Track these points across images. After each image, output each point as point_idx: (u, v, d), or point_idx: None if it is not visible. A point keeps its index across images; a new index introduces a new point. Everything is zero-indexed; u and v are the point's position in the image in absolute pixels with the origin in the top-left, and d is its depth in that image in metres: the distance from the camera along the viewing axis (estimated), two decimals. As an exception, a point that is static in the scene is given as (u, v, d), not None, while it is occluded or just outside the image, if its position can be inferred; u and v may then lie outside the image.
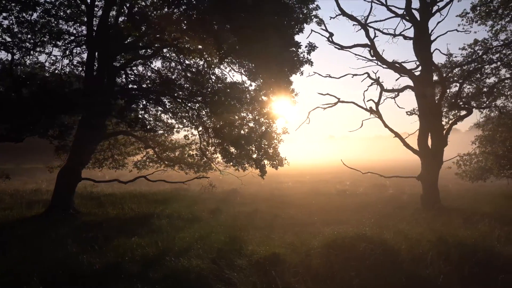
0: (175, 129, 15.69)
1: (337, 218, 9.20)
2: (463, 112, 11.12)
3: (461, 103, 10.50)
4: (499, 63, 14.25)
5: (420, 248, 5.39)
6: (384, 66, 10.83)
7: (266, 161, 10.84)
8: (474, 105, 13.24)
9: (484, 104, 13.94)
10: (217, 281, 4.95)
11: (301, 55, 8.95)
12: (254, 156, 10.64)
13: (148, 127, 11.17)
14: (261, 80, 11.05)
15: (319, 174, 29.81)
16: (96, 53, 11.25)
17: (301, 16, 8.70)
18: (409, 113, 10.99)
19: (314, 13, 9.10)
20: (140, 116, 12.18)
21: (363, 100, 12.16)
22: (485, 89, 15.24)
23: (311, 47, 8.75)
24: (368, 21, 10.93)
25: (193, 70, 12.34)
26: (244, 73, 11.63)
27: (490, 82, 15.18)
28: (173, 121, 15.61)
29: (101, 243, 7.17)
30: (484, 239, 5.68)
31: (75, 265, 5.70)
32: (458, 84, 14.99)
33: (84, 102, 8.38)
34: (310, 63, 9.15)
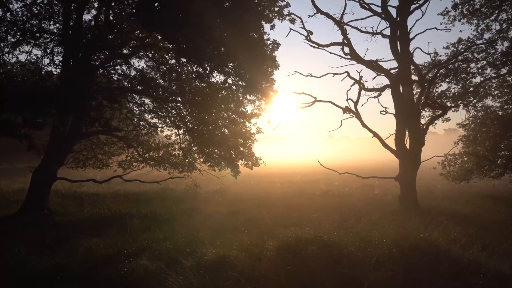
0: (158, 129, 15.64)
1: (308, 219, 9.06)
2: (438, 112, 10.90)
3: (435, 103, 10.25)
4: (484, 62, 14.04)
5: (372, 251, 5.24)
6: (360, 64, 10.66)
7: (240, 161, 10.69)
8: (452, 104, 13.01)
9: (463, 104, 13.73)
10: (157, 283, 4.84)
11: (268, 53, 8.81)
12: (227, 155, 10.49)
13: (113, 126, 10.99)
14: (237, 78, 10.92)
15: (312, 174, 29.63)
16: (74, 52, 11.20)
17: (269, 13, 8.56)
18: (383, 112, 10.81)
19: (286, 10, 8.96)
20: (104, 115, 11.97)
21: (348, 99, 12.04)
22: (471, 89, 15.05)
23: (275, 45, 8.60)
24: (347, 21, 10.85)
25: (168, 68, 12.21)
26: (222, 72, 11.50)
27: (476, 82, 14.98)
28: (156, 120, 15.58)
29: (58, 244, 7.10)
30: (439, 243, 5.51)
31: (20, 267, 5.62)
32: (442, 84, 14.83)
33: (53, 99, 8.29)
34: (274, 60, 9.00)
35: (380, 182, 20.45)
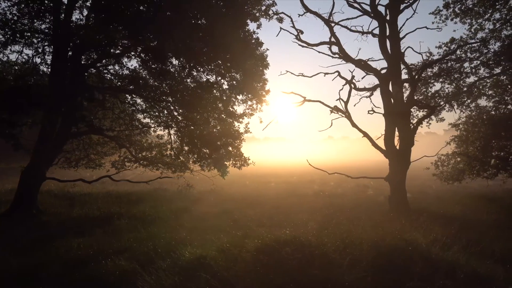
0: (151, 129, 15.61)
1: (293, 220, 9.01)
2: (428, 111, 10.80)
3: (421, 103, 10.16)
4: (477, 62, 13.96)
5: (349, 252, 5.18)
6: (350, 63, 10.58)
7: (228, 161, 10.63)
8: (444, 104, 12.92)
9: (457, 103, 13.64)
10: (130, 284, 4.80)
11: (257, 52, 8.76)
12: (215, 155, 10.44)
13: (103, 126, 10.96)
14: (227, 79, 10.88)
15: (308, 174, 29.54)
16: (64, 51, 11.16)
17: (256, 12, 8.51)
18: (371, 112, 10.73)
19: (273, 9, 8.90)
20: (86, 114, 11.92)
21: (339, 99, 11.96)
22: (465, 89, 14.97)
23: (258, 44, 8.55)
24: (339, 20, 10.76)
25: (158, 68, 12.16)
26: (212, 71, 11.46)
27: (470, 82, 14.89)
28: (148, 120, 15.56)
29: (40, 244, 7.07)
30: (418, 244, 5.44)
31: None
32: (436, 84, 14.74)
33: (32, 99, 8.26)
34: (263, 59, 8.95)
35: (375, 183, 20.37)
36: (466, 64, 14.52)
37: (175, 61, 10.58)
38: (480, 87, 15.01)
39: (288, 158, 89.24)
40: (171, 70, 12.93)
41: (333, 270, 4.38)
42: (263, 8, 8.86)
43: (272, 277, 4.53)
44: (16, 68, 13.26)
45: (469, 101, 15.29)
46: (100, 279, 5.19)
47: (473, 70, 14.48)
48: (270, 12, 9.15)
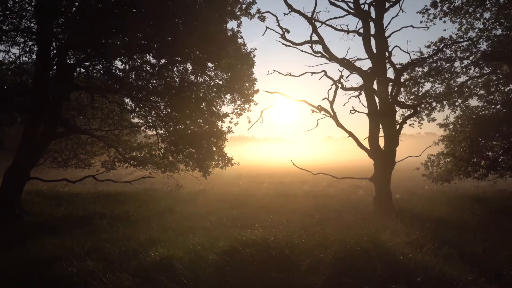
0: (141, 129, 15.55)
1: (275, 220, 8.93)
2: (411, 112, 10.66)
3: (400, 103, 10.00)
4: (468, 61, 13.82)
5: (315, 254, 5.08)
6: (334, 62, 10.47)
7: (211, 161, 10.55)
8: (433, 104, 12.79)
9: (447, 103, 13.51)
10: (89, 285, 4.73)
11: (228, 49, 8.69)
12: (197, 155, 10.36)
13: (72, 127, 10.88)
14: (214, 78, 10.80)
15: (303, 174, 29.41)
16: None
17: (237, 11, 8.44)
18: (352, 111, 10.61)
19: (254, 8, 8.82)
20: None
21: (326, 99, 11.85)
22: (455, 88, 14.83)
23: (233, 42, 8.48)
24: (326, 19, 10.67)
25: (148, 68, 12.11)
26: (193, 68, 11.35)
27: (461, 81, 14.76)
28: (137, 120, 15.50)
29: (15, 245, 7.02)
30: (388, 246, 5.33)
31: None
32: (426, 84, 14.61)
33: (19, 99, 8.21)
34: (249, 58, 8.88)
35: (368, 183, 20.19)
36: (456, 64, 14.40)
37: (152, 60, 10.48)
38: (471, 86, 14.87)
39: (286, 158, 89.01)
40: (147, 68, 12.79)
41: (291, 273, 4.28)
42: (243, 6, 8.78)
43: (231, 280, 4.44)
44: (3, 67, 13.23)
45: (460, 101, 15.16)
46: (62, 280, 5.13)
47: (464, 69, 14.35)
48: (252, 11, 9.10)
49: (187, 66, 9.62)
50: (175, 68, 9.67)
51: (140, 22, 7.38)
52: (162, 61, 9.44)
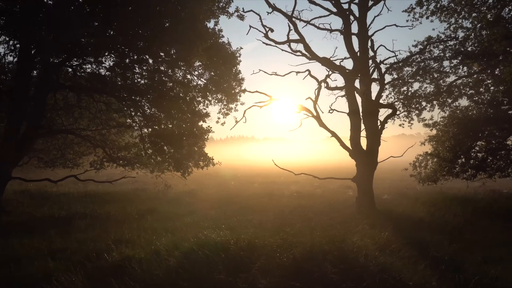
0: (128, 129, 15.49)
1: (252, 220, 8.84)
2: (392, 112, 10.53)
3: (378, 103, 9.86)
4: (456, 61, 13.67)
5: (273, 256, 5.00)
6: (313, 61, 10.37)
7: (190, 161, 10.47)
8: (424, 103, 12.67)
9: (437, 103, 13.37)
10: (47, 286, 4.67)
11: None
12: (177, 155, 10.28)
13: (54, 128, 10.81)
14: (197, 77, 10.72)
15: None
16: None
17: (216, 10, 8.37)
18: (330, 111, 10.49)
19: (233, 6, 8.76)
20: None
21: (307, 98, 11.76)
22: (444, 88, 14.69)
23: (204, 41, 8.42)
24: (309, 19, 10.54)
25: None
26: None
27: (449, 81, 14.61)
28: (124, 119, 15.45)
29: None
30: (348, 249, 5.23)
31: None
32: (414, 83, 14.49)
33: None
34: (234, 57, 8.81)
35: (359, 183, 20.06)
36: (446, 63, 14.26)
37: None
38: (461, 86, 14.71)
39: (285, 158, 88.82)
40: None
41: (240, 275, 4.19)
42: (221, 5, 8.72)
43: (182, 283, 4.35)
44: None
45: (450, 100, 15.00)
46: (22, 280, 5.07)
47: (453, 69, 14.21)
48: (230, 9, 9.02)
49: (161, 67, 9.54)
50: (144, 67, 9.57)
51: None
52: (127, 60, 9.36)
